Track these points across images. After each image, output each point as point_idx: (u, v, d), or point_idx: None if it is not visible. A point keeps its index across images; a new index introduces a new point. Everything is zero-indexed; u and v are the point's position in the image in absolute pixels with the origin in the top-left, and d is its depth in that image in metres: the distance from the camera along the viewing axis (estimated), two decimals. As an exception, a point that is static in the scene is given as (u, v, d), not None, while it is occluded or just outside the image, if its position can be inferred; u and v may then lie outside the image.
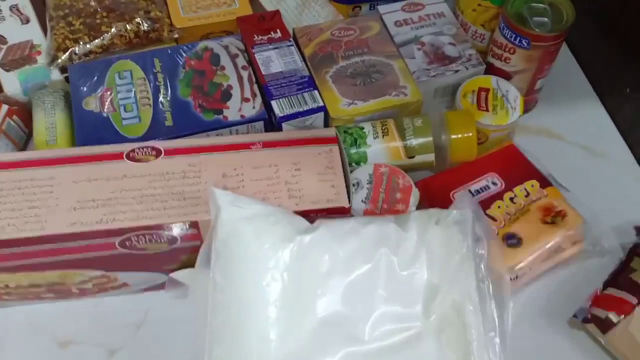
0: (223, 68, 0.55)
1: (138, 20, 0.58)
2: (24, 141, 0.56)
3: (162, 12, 0.59)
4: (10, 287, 0.44)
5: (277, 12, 0.60)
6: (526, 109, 0.59)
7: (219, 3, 0.61)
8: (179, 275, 0.45)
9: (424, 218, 0.43)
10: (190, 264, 0.45)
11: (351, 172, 0.50)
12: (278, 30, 0.58)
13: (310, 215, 0.43)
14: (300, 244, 0.39)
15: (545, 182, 0.52)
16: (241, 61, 0.56)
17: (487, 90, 0.56)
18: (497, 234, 0.48)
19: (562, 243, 0.50)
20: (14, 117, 0.54)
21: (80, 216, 0.40)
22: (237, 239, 0.39)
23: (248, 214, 0.40)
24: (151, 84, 0.54)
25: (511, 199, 0.51)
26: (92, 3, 0.58)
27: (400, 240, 0.41)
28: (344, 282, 0.39)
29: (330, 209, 0.43)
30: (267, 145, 0.46)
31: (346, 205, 0.43)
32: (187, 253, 0.44)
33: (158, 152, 0.44)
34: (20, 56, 0.57)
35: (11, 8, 0.61)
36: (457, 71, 0.58)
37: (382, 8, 0.62)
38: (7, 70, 0.56)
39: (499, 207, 0.50)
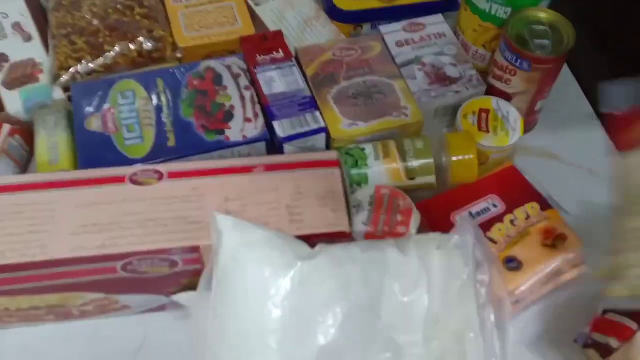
0: (225, 88, 0.55)
1: (141, 39, 0.58)
2: (25, 160, 0.56)
3: (165, 31, 0.59)
4: (11, 310, 0.44)
5: (279, 32, 0.60)
6: (526, 129, 0.60)
7: (221, 22, 0.61)
8: (180, 297, 0.45)
9: (424, 242, 0.43)
10: (191, 286, 0.45)
11: (352, 193, 0.50)
12: (280, 50, 0.58)
13: (311, 240, 0.43)
14: (301, 270, 0.39)
15: (545, 204, 0.52)
16: (243, 81, 0.56)
17: (487, 111, 0.56)
18: (497, 257, 0.48)
19: (562, 266, 0.50)
20: (16, 136, 0.54)
21: (81, 241, 0.40)
22: (237, 266, 0.39)
23: (249, 239, 0.40)
24: (154, 104, 0.54)
25: (511, 221, 0.51)
26: (95, 22, 0.59)
27: (401, 266, 0.41)
28: (345, 309, 0.39)
29: (331, 233, 0.43)
30: (268, 168, 0.46)
31: (347, 230, 0.43)
32: (188, 276, 0.44)
33: (160, 175, 0.44)
34: (22, 74, 0.57)
35: (13, 25, 0.61)
36: (457, 92, 0.58)
37: (383, 28, 0.62)
38: (9, 89, 0.56)
39: (499, 229, 0.50)
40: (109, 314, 0.47)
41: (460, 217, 0.49)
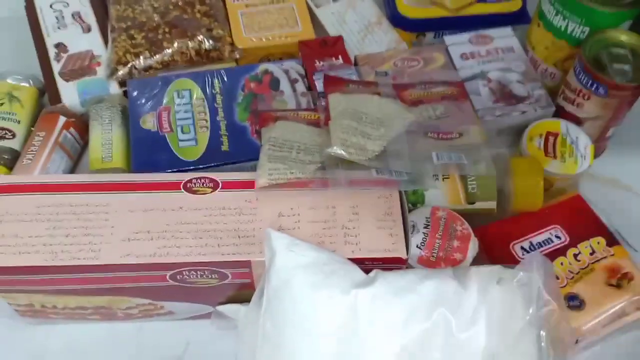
0: (282, 93, 0.54)
1: (200, 38, 0.57)
2: (79, 153, 0.56)
3: (225, 31, 0.58)
4: (58, 308, 0.44)
5: (339, 38, 0.58)
6: (594, 156, 0.56)
7: (281, 24, 0.60)
8: (226, 309, 0.44)
9: (485, 276, 0.41)
10: (237, 299, 0.44)
11: (408, 212, 0.48)
12: (340, 57, 0.57)
13: (365, 263, 0.41)
14: (355, 298, 0.37)
15: (612, 240, 0.49)
16: (300, 87, 0.55)
17: (555, 135, 0.53)
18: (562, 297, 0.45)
19: (626, 308, 0.47)
20: (71, 129, 0.54)
21: (134, 248, 0.40)
22: (290, 288, 0.38)
23: (303, 261, 0.38)
24: (209, 106, 0.53)
25: (575, 256, 0.48)
26: (156, 18, 0.58)
27: (459, 300, 0.39)
28: (400, 343, 0.37)
29: (387, 259, 0.41)
30: (325, 184, 0.44)
31: (404, 256, 0.41)
32: (236, 289, 0.43)
33: (215, 185, 0.43)
34: (80, 66, 0.57)
35: (73, 15, 0.61)
36: (524, 112, 0.55)
37: (448, 39, 0.60)
38: (67, 81, 0.56)
39: (561, 263, 0.48)
40: (153, 318, 0.47)
41: (530, 254, 0.46)
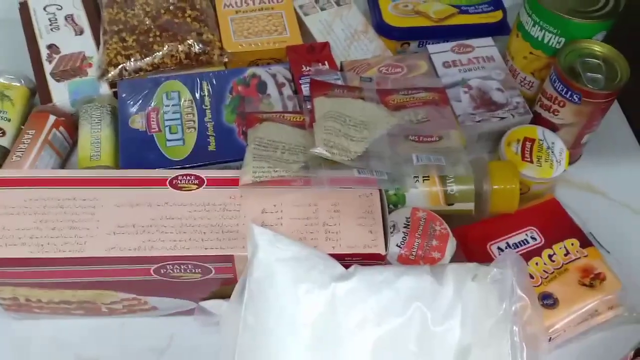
0: (269, 96, 0.56)
1: (190, 41, 0.58)
2: (67, 152, 0.57)
3: (214, 35, 0.60)
4: (42, 302, 0.45)
5: (326, 44, 0.60)
6: (570, 162, 0.58)
7: (270, 30, 0.61)
8: (209, 304, 0.45)
9: (461, 272, 0.42)
10: (220, 294, 0.45)
11: (388, 213, 0.49)
12: (326, 62, 0.58)
13: (346, 259, 0.42)
14: (334, 292, 0.39)
15: (585, 242, 0.50)
16: (287, 91, 0.56)
17: (532, 141, 0.55)
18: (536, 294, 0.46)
19: (598, 307, 0.48)
20: (61, 128, 0.55)
21: (119, 241, 0.41)
22: (271, 281, 0.39)
23: (285, 255, 0.40)
24: (198, 107, 0.54)
25: (550, 257, 0.49)
26: (147, 21, 0.59)
27: (435, 295, 0.41)
28: (375, 335, 0.38)
29: (366, 255, 0.43)
30: (307, 182, 0.45)
31: (383, 252, 0.42)
32: (219, 284, 0.44)
33: (201, 182, 0.44)
34: (72, 67, 0.58)
35: (66, 18, 0.62)
36: (503, 118, 0.57)
37: (431, 48, 0.62)
38: (58, 81, 0.57)
39: (536, 264, 0.49)
40: (137, 313, 0.47)
41: (505, 252, 0.47)
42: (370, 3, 0.67)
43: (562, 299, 0.47)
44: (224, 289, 0.45)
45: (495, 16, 0.65)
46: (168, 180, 0.44)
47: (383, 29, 0.64)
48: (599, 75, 0.53)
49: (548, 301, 0.47)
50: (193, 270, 0.42)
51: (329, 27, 0.65)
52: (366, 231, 0.43)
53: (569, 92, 0.53)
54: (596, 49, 0.54)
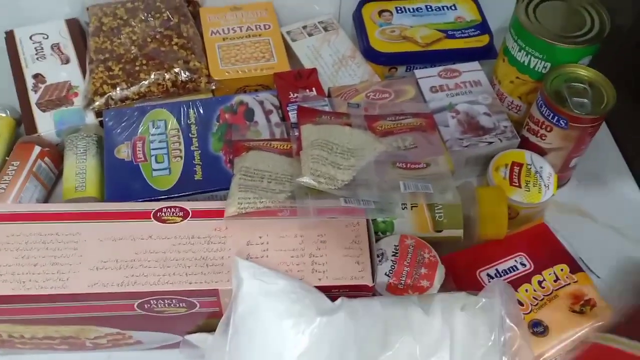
0: (256, 123, 0.55)
1: (177, 69, 0.58)
2: (53, 183, 0.56)
3: (201, 63, 0.60)
4: (25, 338, 0.44)
5: (313, 70, 0.60)
6: (558, 185, 0.58)
7: (257, 57, 0.62)
8: (194, 338, 0.45)
9: (449, 302, 0.42)
10: (206, 327, 0.45)
11: (376, 241, 0.49)
12: (314, 89, 0.58)
13: (333, 291, 0.42)
14: (320, 326, 0.38)
15: (575, 267, 0.50)
16: (275, 118, 0.56)
17: (520, 166, 0.55)
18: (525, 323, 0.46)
19: (589, 334, 0.48)
20: (45, 158, 0.54)
21: (102, 277, 0.40)
22: (256, 316, 0.38)
23: (270, 289, 0.39)
24: (184, 135, 0.54)
25: (539, 283, 0.49)
26: (133, 50, 0.59)
27: (423, 326, 0.40)
28: (363, 370, 0.38)
29: (354, 286, 0.42)
30: (293, 212, 0.45)
31: (370, 284, 0.42)
32: (205, 318, 0.43)
33: (185, 214, 0.44)
34: (57, 97, 0.58)
35: (52, 47, 0.62)
36: (490, 143, 0.57)
37: (418, 72, 0.62)
38: (43, 110, 0.57)
39: (526, 290, 0.49)
40: (122, 347, 0.47)
41: (493, 281, 0.47)
42: (357, 28, 0.67)
43: (553, 326, 0.47)
44: (210, 322, 0.44)
45: (482, 40, 0.65)
46: (152, 213, 0.44)
47: (370, 54, 0.64)
48: (586, 100, 0.53)
49: (538, 329, 0.47)
50: (177, 305, 0.42)
51: (317, 52, 0.65)
52: (353, 262, 0.43)
53: (556, 117, 0.53)
54: (582, 73, 0.54)
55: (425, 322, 0.40)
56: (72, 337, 0.44)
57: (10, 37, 0.63)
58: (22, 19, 0.64)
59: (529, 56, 0.56)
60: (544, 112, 0.54)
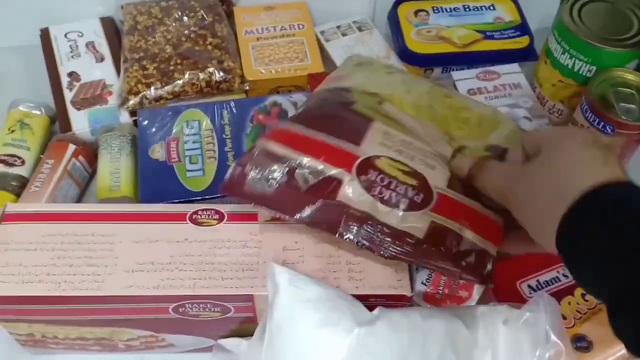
0: (290, 125, 0.54)
1: (211, 69, 0.58)
2: (87, 181, 0.56)
3: (235, 63, 0.59)
4: (59, 338, 0.44)
5: (348, 72, 0.59)
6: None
7: (291, 57, 0.61)
8: (227, 342, 0.44)
9: (492, 316, 0.40)
10: (240, 332, 0.44)
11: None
12: (348, 90, 0.57)
13: (370, 300, 0.41)
14: (358, 337, 0.37)
15: (620, 279, 0.48)
16: (308, 119, 0.55)
17: (562, 173, 0.53)
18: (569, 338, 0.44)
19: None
20: (80, 157, 0.54)
21: (137, 279, 0.40)
22: (292, 324, 0.37)
23: (306, 296, 0.38)
24: (218, 136, 0.53)
25: (583, 296, 0.47)
26: (168, 49, 0.59)
27: (464, 340, 0.39)
28: (403, 384, 0.37)
29: (391, 296, 0.41)
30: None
31: (409, 294, 0.41)
32: (238, 323, 0.43)
33: (221, 217, 0.43)
34: (92, 95, 0.58)
35: (87, 45, 0.62)
36: (531, 149, 0.55)
37: (455, 74, 0.60)
38: (78, 109, 0.57)
39: (569, 303, 0.47)
40: (154, 350, 0.46)
41: (537, 293, 0.45)
42: (392, 28, 0.66)
43: (597, 341, 0.45)
44: (244, 327, 0.43)
45: (522, 42, 0.63)
46: (188, 215, 0.43)
47: (406, 55, 0.63)
48: (633, 106, 0.51)
49: (582, 344, 0.45)
50: (212, 309, 0.41)
51: (351, 53, 0.64)
52: (391, 270, 0.41)
53: (602, 123, 0.51)
54: (629, 77, 0.52)
55: (467, 337, 0.39)
56: (105, 338, 0.44)
57: (45, 35, 0.63)
58: (56, 17, 0.64)
59: (574, 59, 0.54)
60: (589, 118, 0.52)
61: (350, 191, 0.39)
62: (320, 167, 0.40)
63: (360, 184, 0.39)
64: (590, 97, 0.52)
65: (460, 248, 0.39)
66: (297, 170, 0.40)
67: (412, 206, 0.39)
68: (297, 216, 0.39)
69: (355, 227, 0.39)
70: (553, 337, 0.39)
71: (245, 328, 0.43)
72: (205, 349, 0.46)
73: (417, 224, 0.39)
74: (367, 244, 0.39)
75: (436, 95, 0.50)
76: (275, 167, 0.40)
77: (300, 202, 0.39)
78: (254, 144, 0.42)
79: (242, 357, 0.41)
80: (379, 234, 0.39)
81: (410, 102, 0.48)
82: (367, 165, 0.40)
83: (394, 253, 0.38)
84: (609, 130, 0.51)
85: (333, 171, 0.40)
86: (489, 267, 0.40)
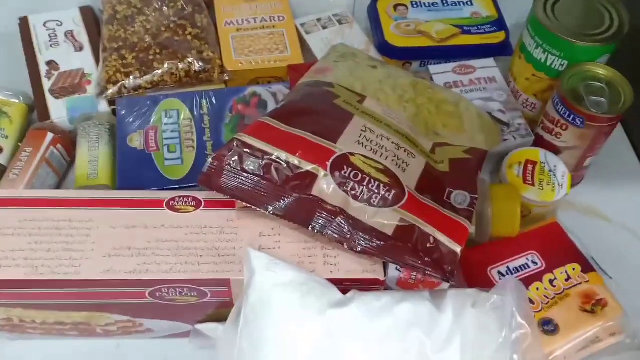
0: (268, 115, 0.55)
1: (190, 59, 0.58)
2: (65, 170, 0.56)
3: (215, 53, 0.60)
4: (36, 323, 0.44)
5: (327, 63, 0.59)
6: (572, 185, 0.58)
7: (271, 49, 0.61)
8: (204, 327, 0.45)
9: (461, 299, 0.41)
10: (217, 317, 0.45)
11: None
12: (326, 82, 0.58)
13: (343, 284, 0.42)
14: (331, 319, 0.38)
15: (587, 267, 0.50)
16: (287, 110, 0.56)
17: (534, 164, 0.54)
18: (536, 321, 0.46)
19: (599, 334, 0.47)
20: (58, 145, 0.54)
21: (114, 264, 0.40)
22: (267, 307, 0.38)
23: (281, 280, 0.39)
24: (196, 126, 0.54)
25: (551, 282, 0.49)
26: (147, 39, 0.59)
27: (434, 322, 0.40)
28: (373, 364, 0.38)
29: (365, 280, 0.42)
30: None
31: (382, 278, 0.42)
32: (215, 308, 0.43)
33: (198, 204, 0.44)
34: (71, 84, 0.58)
35: (66, 34, 0.62)
36: (504, 140, 0.56)
37: (433, 68, 0.61)
38: (57, 98, 0.57)
39: (537, 289, 0.48)
40: (132, 335, 0.47)
41: (505, 278, 0.47)
42: (372, 22, 0.67)
43: (563, 325, 0.46)
44: (221, 312, 0.44)
45: (498, 37, 0.65)
46: (165, 202, 0.43)
47: (385, 49, 0.64)
48: (603, 99, 0.52)
49: (548, 327, 0.46)
50: (189, 294, 0.42)
51: (331, 45, 0.64)
52: (365, 256, 0.42)
53: (572, 116, 0.52)
54: (600, 72, 0.54)
55: (437, 319, 0.40)
56: (83, 323, 0.44)
57: (24, 23, 0.63)
58: (36, 5, 0.63)
59: (547, 54, 0.55)
60: (560, 111, 0.53)
61: (325, 186, 0.41)
62: (296, 162, 0.41)
63: (334, 179, 0.41)
64: (561, 91, 0.53)
65: (427, 245, 0.41)
66: (273, 165, 0.41)
67: (383, 202, 0.41)
68: (271, 209, 0.40)
69: (328, 221, 0.40)
70: (519, 319, 0.40)
71: (222, 313, 0.44)
72: (183, 335, 0.46)
73: (386, 220, 0.41)
74: (338, 237, 0.40)
75: (419, 89, 0.51)
76: (252, 161, 0.41)
77: (275, 196, 0.41)
78: (232, 138, 0.43)
79: (219, 341, 0.42)
80: (350, 228, 0.40)
81: (394, 95, 0.49)
82: (342, 162, 0.41)
83: (363, 247, 0.40)
84: (579, 123, 0.52)
85: (309, 167, 0.41)
86: (453, 265, 0.42)
